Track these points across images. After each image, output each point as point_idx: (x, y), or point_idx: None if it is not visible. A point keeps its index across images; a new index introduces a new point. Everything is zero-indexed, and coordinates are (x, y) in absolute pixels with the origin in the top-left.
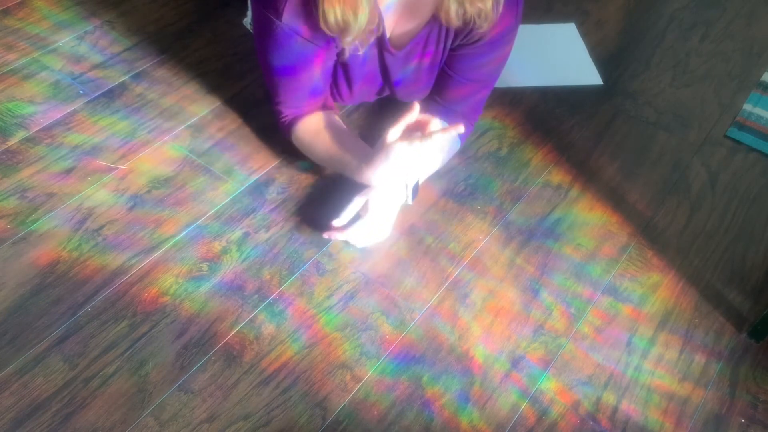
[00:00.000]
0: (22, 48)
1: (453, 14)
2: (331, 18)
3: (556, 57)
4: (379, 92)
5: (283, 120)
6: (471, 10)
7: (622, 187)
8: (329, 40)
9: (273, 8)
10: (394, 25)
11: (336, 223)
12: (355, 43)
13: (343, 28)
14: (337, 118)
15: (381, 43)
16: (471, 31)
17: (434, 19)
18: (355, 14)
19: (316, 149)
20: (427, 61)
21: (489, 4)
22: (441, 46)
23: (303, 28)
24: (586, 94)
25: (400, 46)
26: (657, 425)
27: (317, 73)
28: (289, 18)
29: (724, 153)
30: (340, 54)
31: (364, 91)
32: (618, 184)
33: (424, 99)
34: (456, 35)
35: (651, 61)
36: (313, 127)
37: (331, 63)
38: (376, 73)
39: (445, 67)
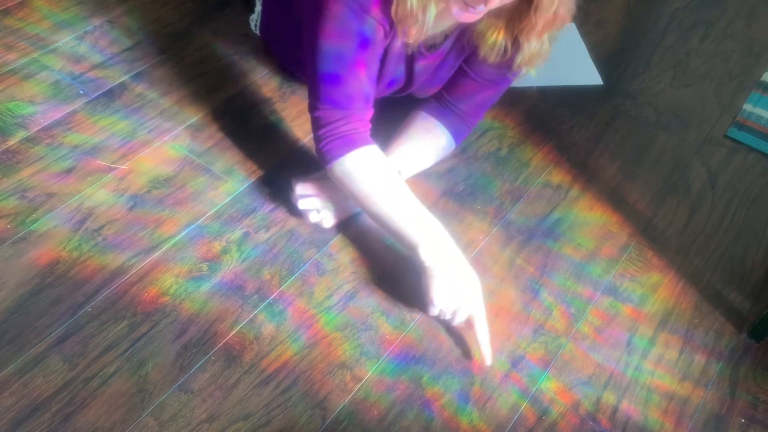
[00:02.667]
0: (22, 48)
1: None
2: (407, 5)
3: (556, 57)
4: (397, 92)
5: (324, 133)
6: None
7: (622, 187)
8: (389, 29)
9: None
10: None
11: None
12: (419, 40)
13: (411, 19)
14: (381, 158)
15: (413, 50)
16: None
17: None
18: (425, 9)
19: (368, 195)
20: (450, 62)
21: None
22: (460, 47)
23: (375, 10)
24: (586, 94)
25: (432, 48)
26: (657, 425)
27: (373, 71)
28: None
29: (724, 153)
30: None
31: (384, 90)
32: (618, 184)
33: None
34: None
35: (651, 61)
36: (368, 164)
37: (375, 67)
38: (402, 74)
39: (463, 64)
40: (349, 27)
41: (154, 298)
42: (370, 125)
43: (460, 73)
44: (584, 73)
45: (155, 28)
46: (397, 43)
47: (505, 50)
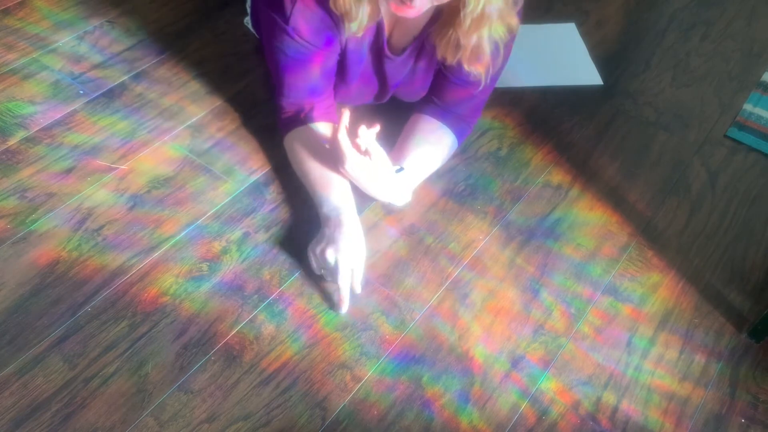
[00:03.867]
0: (22, 48)
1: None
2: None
3: (556, 57)
4: (377, 97)
5: (283, 115)
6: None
7: (622, 187)
8: (330, 41)
9: (281, 11)
10: (391, 29)
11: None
12: (357, 33)
13: (348, 12)
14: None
15: (379, 49)
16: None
17: (431, 23)
18: (358, 5)
19: (300, 161)
20: (423, 65)
21: (485, 63)
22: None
23: (306, 31)
24: (586, 94)
25: (399, 51)
26: (657, 425)
27: (316, 73)
28: (294, 21)
29: (724, 153)
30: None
31: (362, 92)
32: (618, 184)
33: (422, 99)
34: None
35: (651, 61)
36: (305, 138)
37: (331, 64)
38: (372, 76)
39: (442, 67)
40: (290, 48)
41: (154, 298)
42: (317, 108)
43: (441, 77)
44: (584, 73)
45: (155, 28)
46: (351, 45)
47: (458, 48)
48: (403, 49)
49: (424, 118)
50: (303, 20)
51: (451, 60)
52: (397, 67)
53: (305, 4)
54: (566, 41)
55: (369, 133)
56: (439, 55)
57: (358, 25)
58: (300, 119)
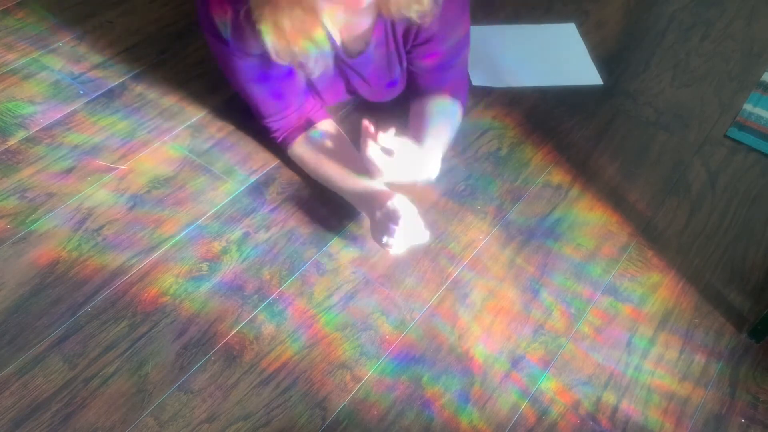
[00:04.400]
0: (22, 48)
1: (394, 11)
2: (286, 54)
3: (556, 57)
4: (352, 92)
5: (275, 137)
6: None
7: (622, 187)
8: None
9: (216, 35)
10: (342, 33)
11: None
12: (318, 66)
13: (304, 57)
14: (332, 131)
15: (335, 55)
16: (419, 31)
17: (380, 17)
18: (313, 40)
19: (314, 168)
20: (382, 61)
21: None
22: (392, 40)
23: (251, 47)
24: (586, 94)
25: (355, 54)
26: (657, 425)
27: (279, 81)
28: (235, 42)
29: (724, 153)
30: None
31: (333, 95)
32: (618, 184)
33: (413, 90)
34: (405, 36)
35: (651, 61)
36: (309, 146)
37: (292, 72)
38: (336, 81)
39: (410, 68)
40: (244, 67)
41: (154, 298)
42: (301, 114)
43: (412, 75)
44: (584, 73)
45: (155, 28)
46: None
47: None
48: (359, 51)
49: (423, 100)
50: (241, 40)
51: (406, 12)
52: (356, 68)
53: (239, 34)
54: (566, 41)
55: (389, 137)
56: (396, 15)
57: (314, 67)
58: (292, 131)
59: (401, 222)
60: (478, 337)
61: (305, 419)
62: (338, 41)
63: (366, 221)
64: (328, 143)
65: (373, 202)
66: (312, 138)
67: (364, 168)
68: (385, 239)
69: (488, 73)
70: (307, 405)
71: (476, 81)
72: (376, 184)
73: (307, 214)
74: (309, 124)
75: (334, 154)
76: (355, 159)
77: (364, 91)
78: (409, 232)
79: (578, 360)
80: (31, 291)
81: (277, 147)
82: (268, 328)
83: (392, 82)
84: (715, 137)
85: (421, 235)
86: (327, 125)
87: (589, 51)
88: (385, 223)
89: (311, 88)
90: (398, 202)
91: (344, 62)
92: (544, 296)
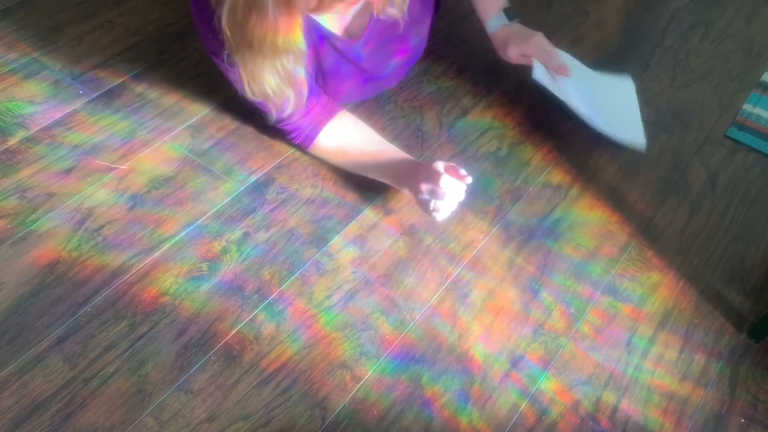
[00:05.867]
0: (22, 48)
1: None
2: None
3: (611, 104)
4: (366, 89)
5: (293, 139)
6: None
7: (622, 187)
8: None
9: (221, 59)
10: (339, 25)
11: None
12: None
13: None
14: (348, 121)
15: (336, 48)
16: None
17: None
18: (294, 42)
19: (347, 158)
20: (387, 30)
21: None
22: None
23: None
24: None
25: (356, 36)
26: (657, 425)
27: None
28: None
29: (724, 153)
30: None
31: (351, 91)
32: (618, 184)
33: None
34: None
35: (651, 61)
36: (332, 143)
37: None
38: (351, 70)
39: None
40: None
41: (154, 298)
42: (313, 117)
43: None
44: (630, 130)
45: (155, 28)
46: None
47: None
48: (360, 33)
49: None
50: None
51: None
52: (361, 48)
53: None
54: (622, 95)
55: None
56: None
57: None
58: (312, 129)
59: (443, 180)
60: (478, 336)
61: (305, 419)
62: (339, 32)
63: (366, 220)
64: (352, 130)
65: (417, 170)
66: (334, 129)
67: (392, 147)
68: (432, 204)
69: (550, 78)
70: (307, 405)
71: (537, 76)
72: (402, 158)
73: (307, 214)
74: (327, 117)
75: (360, 140)
76: (380, 141)
77: (378, 70)
78: (454, 189)
79: (578, 360)
80: (31, 291)
81: (277, 147)
82: (268, 328)
83: (404, 49)
84: (714, 137)
85: (461, 190)
86: (344, 115)
87: (593, 56)
88: (432, 187)
89: (328, 84)
90: (440, 166)
91: (335, 47)
92: (544, 296)
